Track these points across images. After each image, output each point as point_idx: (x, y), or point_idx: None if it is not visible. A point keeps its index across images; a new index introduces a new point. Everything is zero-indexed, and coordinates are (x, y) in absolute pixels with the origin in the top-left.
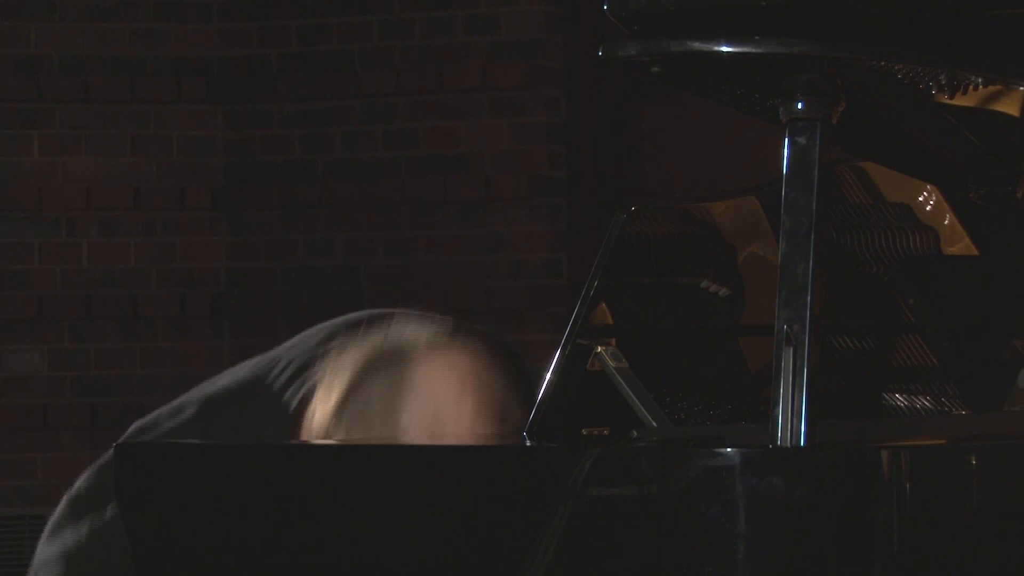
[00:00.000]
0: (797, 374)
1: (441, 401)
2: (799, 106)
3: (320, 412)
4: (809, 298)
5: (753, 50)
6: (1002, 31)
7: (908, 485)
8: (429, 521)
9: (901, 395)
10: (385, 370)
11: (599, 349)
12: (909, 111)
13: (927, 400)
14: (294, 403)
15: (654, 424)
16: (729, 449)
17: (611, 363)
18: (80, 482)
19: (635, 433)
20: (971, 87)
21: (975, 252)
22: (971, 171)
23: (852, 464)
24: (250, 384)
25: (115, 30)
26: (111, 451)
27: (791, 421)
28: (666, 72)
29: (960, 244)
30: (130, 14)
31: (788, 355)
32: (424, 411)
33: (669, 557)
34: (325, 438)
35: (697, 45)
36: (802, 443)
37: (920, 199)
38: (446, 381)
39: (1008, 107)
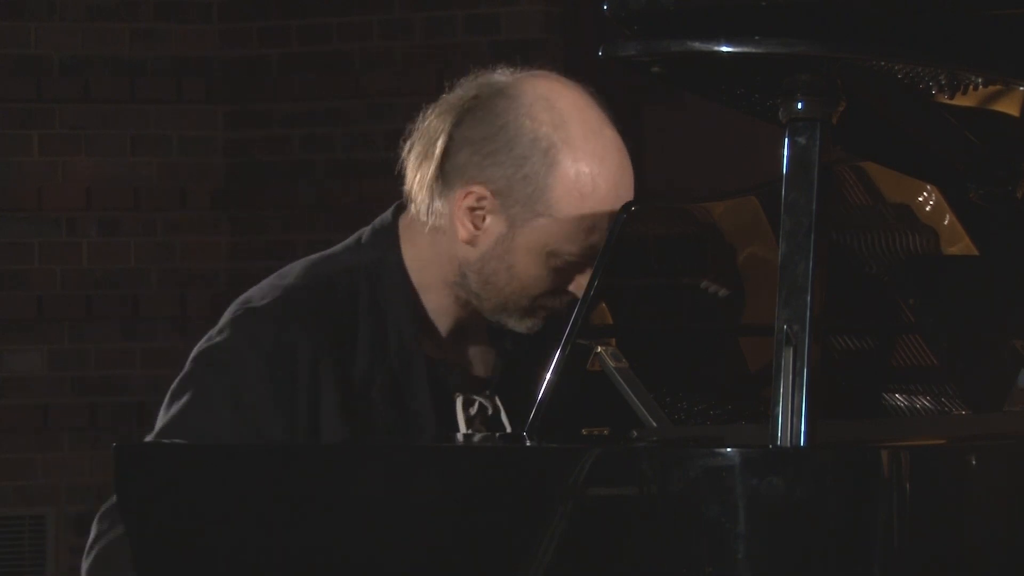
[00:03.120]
0: (797, 374)
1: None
2: (799, 106)
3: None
4: (809, 298)
5: (753, 50)
6: (1002, 31)
7: (908, 485)
8: (430, 521)
9: (901, 395)
10: (487, 100)
11: (599, 349)
12: (909, 111)
13: (927, 400)
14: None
15: (654, 424)
16: (729, 449)
17: (611, 363)
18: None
19: (635, 433)
20: (971, 87)
21: (975, 252)
22: (971, 171)
23: (852, 464)
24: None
25: (115, 30)
26: None
27: (791, 421)
28: (666, 72)
29: (960, 244)
30: (130, 14)
31: (788, 355)
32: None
33: (669, 557)
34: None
35: (697, 45)
36: (802, 443)
37: (920, 199)
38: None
39: (1008, 107)
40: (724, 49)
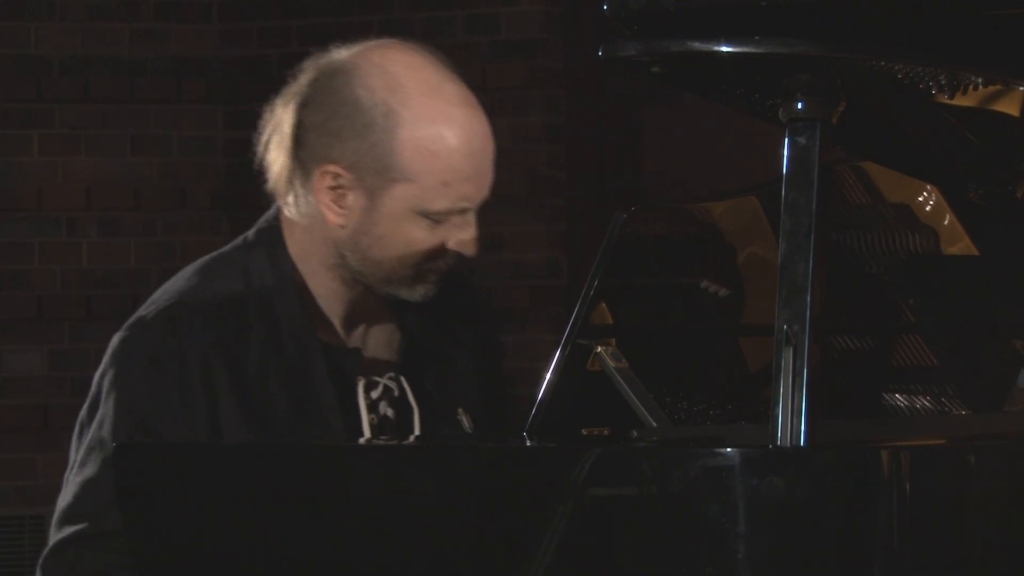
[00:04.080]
0: (797, 374)
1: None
2: (799, 106)
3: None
4: (809, 298)
5: (753, 50)
6: (1002, 31)
7: (908, 485)
8: (429, 520)
9: (901, 395)
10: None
11: (599, 349)
12: (909, 111)
13: (927, 400)
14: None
15: (654, 424)
16: (729, 449)
17: (611, 363)
18: None
19: (635, 433)
20: (971, 87)
21: (975, 252)
22: (971, 171)
23: (852, 464)
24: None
25: (115, 30)
26: None
27: (791, 421)
28: (666, 72)
29: (960, 244)
30: (130, 14)
31: (788, 355)
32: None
33: (669, 557)
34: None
35: (697, 45)
36: (802, 443)
37: (920, 199)
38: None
39: (1008, 107)
40: (724, 49)
